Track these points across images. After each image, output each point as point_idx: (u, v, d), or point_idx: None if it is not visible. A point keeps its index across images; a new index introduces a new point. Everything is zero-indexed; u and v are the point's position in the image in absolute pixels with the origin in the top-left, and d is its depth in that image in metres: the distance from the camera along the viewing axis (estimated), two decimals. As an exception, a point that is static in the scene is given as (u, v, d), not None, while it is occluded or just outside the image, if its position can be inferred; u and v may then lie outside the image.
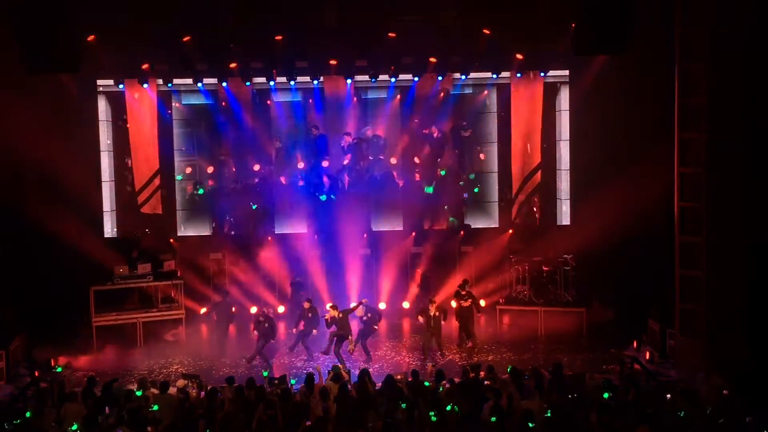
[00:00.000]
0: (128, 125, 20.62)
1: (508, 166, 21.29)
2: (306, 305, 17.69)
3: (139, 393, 13.17)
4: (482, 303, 19.03)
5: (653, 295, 17.93)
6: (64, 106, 19.16)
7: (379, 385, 13.61)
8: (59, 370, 15.25)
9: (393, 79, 20.29)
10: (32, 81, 17.38)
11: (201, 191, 21.39)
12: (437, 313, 17.46)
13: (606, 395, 12.61)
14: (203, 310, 20.13)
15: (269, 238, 21.16)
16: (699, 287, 15.82)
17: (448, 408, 12.04)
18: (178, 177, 21.32)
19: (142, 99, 20.48)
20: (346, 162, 21.08)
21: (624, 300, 18.91)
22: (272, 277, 20.98)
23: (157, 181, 20.81)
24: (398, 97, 21.13)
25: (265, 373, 14.69)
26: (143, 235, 20.68)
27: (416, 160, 21.24)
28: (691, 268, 15.93)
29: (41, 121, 18.48)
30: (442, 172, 21.32)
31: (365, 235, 21.23)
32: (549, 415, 11.73)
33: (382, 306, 19.70)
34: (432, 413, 11.66)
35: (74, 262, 18.98)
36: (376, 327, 17.64)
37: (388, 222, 21.54)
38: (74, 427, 11.82)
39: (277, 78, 19.98)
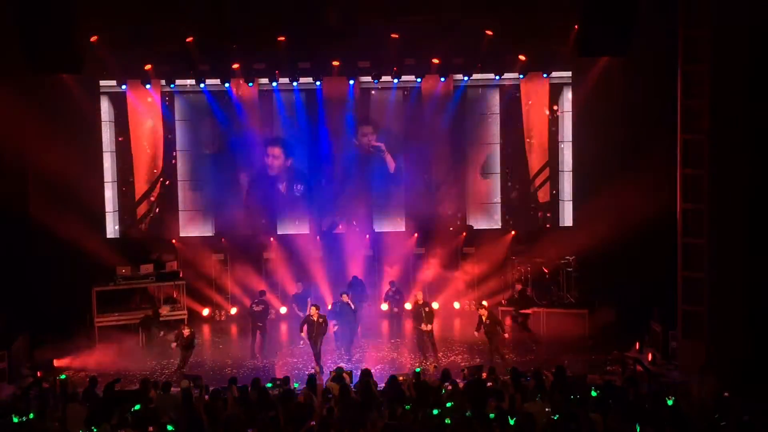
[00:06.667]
0: (130, 126, 20.69)
1: (512, 167, 21.36)
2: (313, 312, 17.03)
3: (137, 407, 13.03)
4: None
5: (655, 297, 17.90)
6: (66, 106, 19.16)
7: (381, 386, 13.60)
8: (63, 377, 15.17)
9: (396, 81, 20.31)
10: (35, 81, 17.44)
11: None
12: (487, 321, 16.83)
13: (594, 393, 12.60)
14: (206, 312, 20.26)
15: (271, 239, 21.20)
16: (701, 289, 15.80)
17: (449, 405, 12.05)
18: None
19: (145, 100, 20.54)
20: None
21: (626, 301, 18.88)
22: (275, 277, 21.02)
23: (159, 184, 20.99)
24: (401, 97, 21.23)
25: (269, 385, 14.49)
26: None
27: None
28: (694, 269, 15.91)
29: (44, 122, 18.47)
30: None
31: (368, 236, 21.27)
32: (553, 417, 11.70)
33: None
34: (436, 411, 11.65)
35: (76, 263, 19.00)
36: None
37: (390, 223, 21.56)
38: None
39: (280, 79, 20.02)
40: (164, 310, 19.05)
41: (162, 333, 18.39)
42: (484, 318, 16.77)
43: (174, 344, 16.89)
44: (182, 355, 16.64)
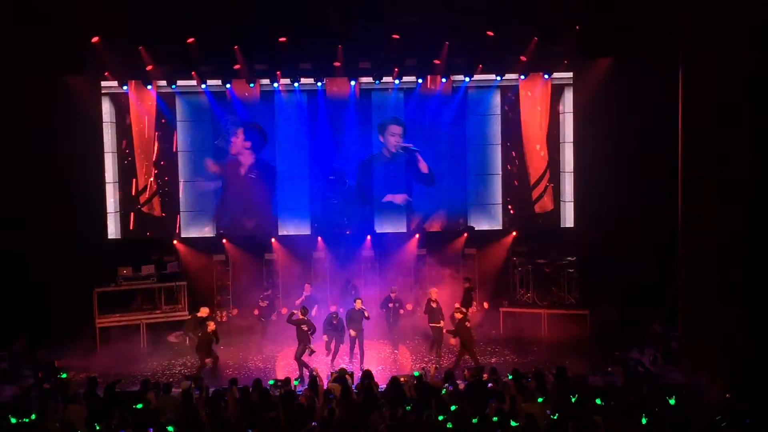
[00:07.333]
0: (132, 127, 20.72)
1: (513, 168, 21.39)
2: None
3: (140, 406, 13.02)
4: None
5: (657, 298, 17.90)
6: (68, 107, 19.18)
7: (382, 387, 13.59)
8: (64, 375, 15.17)
9: (397, 81, 20.31)
10: (37, 83, 17.44)
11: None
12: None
13: (598, 401, 12.56)
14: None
15: (273, 239, 21.21)
16: (703, 290, 15.80)
17: (453, 408, 12.04)
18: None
19: (146, 100, 20.57)
20: None
21: (627, 302, 18.88)
22: (276, 278, 21.02)
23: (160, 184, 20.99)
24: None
25: (272, 382, 14.53)
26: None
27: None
28: (695, 270, 15.91)
29: (46, 123, 18.53)
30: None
31: (368, 237, 21.27)
32: (554, 418, 11.70)
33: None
34: (442, 417, 11.65)
35: (78, 263, 19.01)
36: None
37: (391, 224, 21.55)
38: None
39: (281, 80, 20.02)
40: (203, 313, 17.83)
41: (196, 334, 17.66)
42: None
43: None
44: (203, 354, 16.52)
